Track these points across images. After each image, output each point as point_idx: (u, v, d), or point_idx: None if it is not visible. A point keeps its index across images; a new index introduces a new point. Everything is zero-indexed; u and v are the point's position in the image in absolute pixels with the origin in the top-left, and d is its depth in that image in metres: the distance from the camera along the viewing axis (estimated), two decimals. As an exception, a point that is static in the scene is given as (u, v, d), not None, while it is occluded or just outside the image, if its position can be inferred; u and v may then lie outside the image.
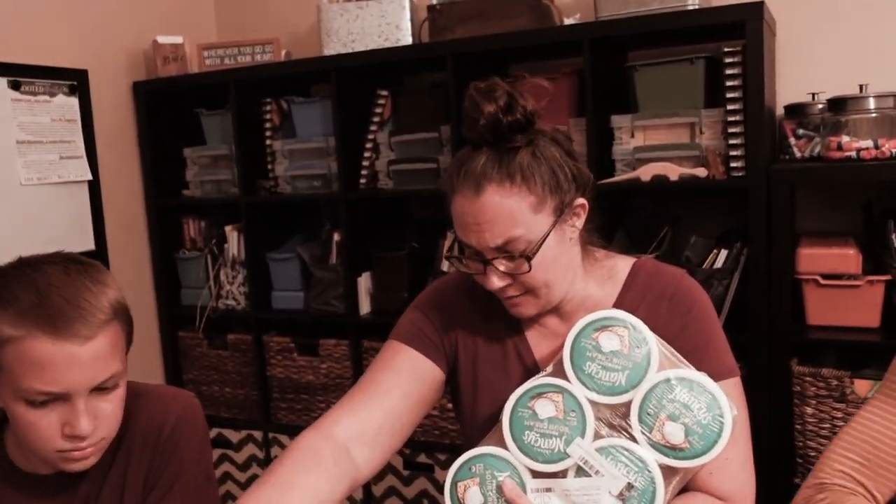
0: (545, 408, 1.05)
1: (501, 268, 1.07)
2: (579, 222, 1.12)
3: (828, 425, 1.83)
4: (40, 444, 1.00)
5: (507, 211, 1.03)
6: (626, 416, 1.03)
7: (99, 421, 1.02)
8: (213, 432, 2.67)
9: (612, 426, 1.03)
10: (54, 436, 0.99)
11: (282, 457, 1.03)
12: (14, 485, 1.08)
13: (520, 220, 1.04)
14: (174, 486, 1.12)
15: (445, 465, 2.30)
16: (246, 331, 2.61)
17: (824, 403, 1.83)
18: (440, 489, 2.32)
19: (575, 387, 1.05)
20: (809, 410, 1.84)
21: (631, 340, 1.06)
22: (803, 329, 1.87)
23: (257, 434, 2.61)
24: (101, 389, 1.01)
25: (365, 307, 2.42)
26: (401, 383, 1.15)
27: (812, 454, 1.85)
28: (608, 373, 1.05)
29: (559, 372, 1.07)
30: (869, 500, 0.96)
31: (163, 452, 1.13)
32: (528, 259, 1.05)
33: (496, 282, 1.07)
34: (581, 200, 1.10)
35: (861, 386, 1.78)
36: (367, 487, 2.44)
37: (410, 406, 1.15)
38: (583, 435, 1.03)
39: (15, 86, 2.24)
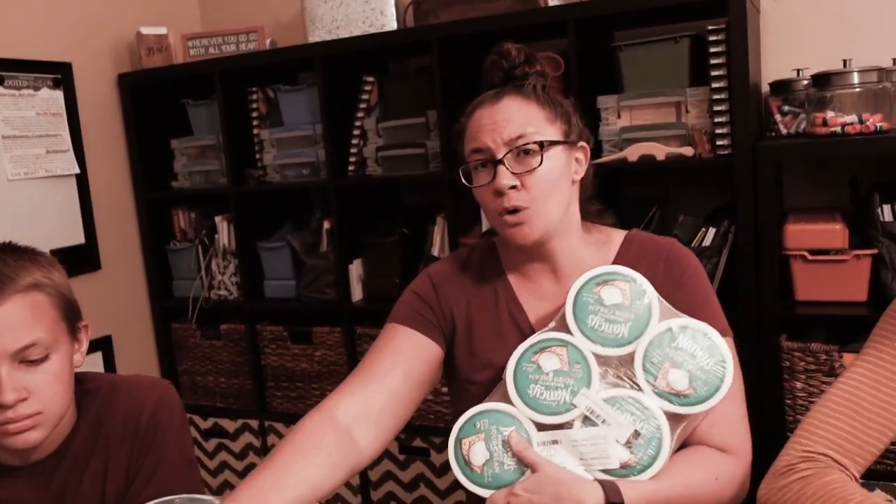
0: (549, 361, 1.07)
1: (512, 168, 1.11)
2: (581, 169, 1.19)
3: (818, 399, 1.84)
4: None
5: (524, 112, 1.14)
6: (630, 365, 1.05)
7: (30, 394, 1.02)
8: (209, 422, 2.68)
9: (616, 377, 1.05)
10: None
11: (283, 442, 1.04)
12: None
13: (534, 122, 1.13)
14: (156, 472, 1.13)
15: (441, 449, 2.32)
16: (239, 320, 2.62)
17: (814, 378, 1.85)
18: (437, 472, 2.34)
19: (578, 339, 1.07)
20: (799, 385, 1.86)
21: (632, 293, 1.08)
22: (791, 305, 1.88)
23: (253, 423, 2.62)
24: (28, 361, 1.02)
25: (357, 294, 2.43)
26: (401, 363, 1.17)
27: (802, 428, 1.87)
28: (611, 325, 1.07)
29: (562, 326, 1.09)
30: (847, 474, 0.97)
31: (143, 440, 1.14)
32: (542, 147, 1.11)
33: (505, 181, 1.11)
34: (584, 144, 1.19)
35: (850, 360, 1.80)
36: (363, 472, 2.45)
37: (411, 385, 1.17)
38: (588, 385, 1.04)
39: (-2, 80, 2.23)
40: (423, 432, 2.34)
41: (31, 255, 1.09)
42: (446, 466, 2.32)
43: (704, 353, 1.04)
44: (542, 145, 1.12)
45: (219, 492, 2.72)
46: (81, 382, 1.17)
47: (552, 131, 1.15)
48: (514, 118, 1.13)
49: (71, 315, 1.11)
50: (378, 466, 2.42)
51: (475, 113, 1.17)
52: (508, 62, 1.17)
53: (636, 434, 1.02)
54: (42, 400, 1.04)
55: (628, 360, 1.06)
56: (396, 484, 2.41)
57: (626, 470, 1.02)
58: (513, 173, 1.12)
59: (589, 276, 1.11)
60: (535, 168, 1.11)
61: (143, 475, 1.13)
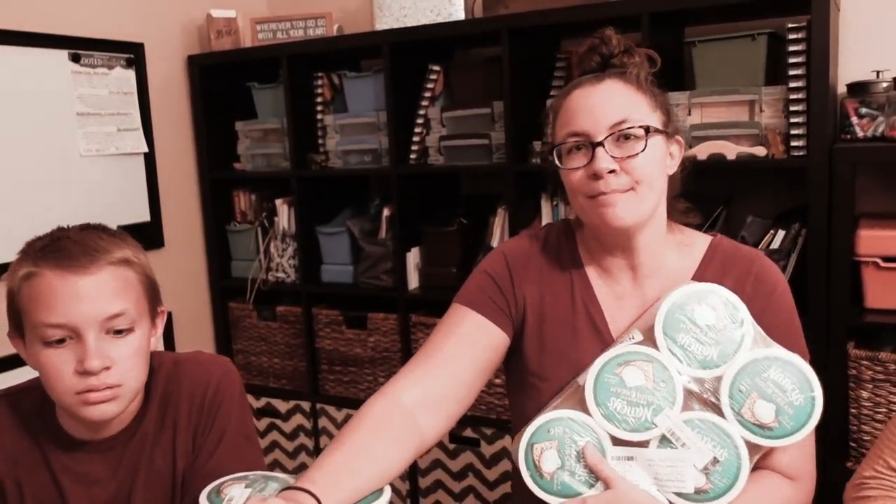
0: (634, 375, 1.04)
1: (611, 152, 1.07)
2: (674, 164, 1.16)
3: (884, 410, 1.80)
4: (58, 385, 1.04)
5: (627, 96, 1.10)
6: (716, 390, 1.03)
7: (113, 364, 1.05)
8: (262, 402, 2.73)
9: (700, 400, 1.03)
10: (69, 374, 1.03)
11: (351, 424, 1.05)
12: (62, 448, 1.13)
13: (637, 107, 1.10)
14: (218, 447, 1.15)
15: (491, 440, 2.32)
16: (295, 303, 2.65)
17: (881, 388, 1.80)
18: (486, 463, 2.34)
19: (665, 357, 1.04)
20: (865, 395, 1.82)
21: (727, 316, 1.05)
22: (861, 312, 1.84)
23: (305, 405, 2.65)
24: (114, 332, 1.05)
25: (413, 282, 2.44)
26: (467, 349, 1.15)
27: (866, 438, 1.83)
28: (701, 346, 1.04)
29: (649, 340, 1.06)
30: None
31: (207, 415, 1.17)
32: (648, 132, 1.07)
33: (605, 164, 1.06)
34: (679, 139, 1.16)
35: (920, 371, 1.75)
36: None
37: (475, 372, 1.15)
38: (672, 406, 1.02)
39: (75, 58, 2.28)
40: (474, 422, 2.34)
41: (122, 236, 1.13)
42: (496, 457, 2.32)
43: (795, 388, 1.00)
44: (648, 130, 1.07)
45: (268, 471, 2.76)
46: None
47: (654, 119, 1.10)
48: (617, 101, 1.09)
49: (153, 297, 1.14)
50: (427, 454, 2.43)
51: (573, 92, 1.13)
52: (608, 49, 1.14)
53: (714, 461, 1.00)
54: (123, 372, 1.06)
55: (714, 383, 1.03)
56: (445, 472, 2.42)
57: (699, 496, 1.00)
58: (612, 157, 1.07)
59: (684, 292, 1.07)
60: (637, 153, 1.07)
61: (207, 449, 1.16)
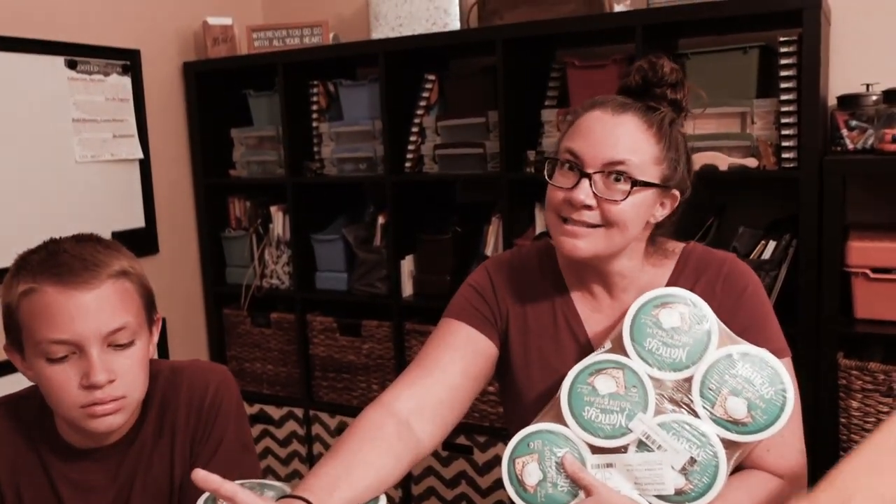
0: (605, 384, 1.06)
1: (595, 188, 1.08)
2: (662, 214, 1.15)
3: (873, 419, 1.82)
4: (63, 399, 1.04)
5: (638, 139, 1.09)
6: (687, 391, 1.04)
7: (117, 377, 1.05)
8: (255, 408, 2.73)
9: (673, 401, 1.04)
10: (73, 388, 1.04)
11: (347, 433, 1.06)
12: (61, 456, 1.14)
13: (642, 154, 1.08)
14: (215, 454, 1.16)
15: (484, 448, 2.33)
16: (289, 310, 2.66)
17: (870, 397, 1.82)
18: (479, 471, 2.35)
19: (635, 362, 1.06)
20: (855, 404, 1.83)
21: (691, 317, 1.06)
22: (851, 322, 1.86)
23: (298, 411, 2.66)
24: (116, 346, 1.06)
25: (407, 290, 2.45)
26: (457, 358, 1.18)
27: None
28: (669, 349, 1.06)
29: (619, 348, 1.08)
30: None
31: (205, 423, 1.17)
32: (634, 184, 1.07)
33: (582, 196, 1.08)
34: (676, 193, 1.14)
35: (909, 381, 1.77)
36: (405, 467, 2.47)
37: (468, 380, 1.17)
38: (645, 410, 1.03)
39: (71, 65, 2.29)
40: (468, 430, 2.35)
41: (117, 246, 1.13)
42: (489, 465, 2.33)
43: (765, 382, 1.02)
44: (635, 184, 1.08)
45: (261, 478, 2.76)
46: None
47: (653, 172, 1.10)
48: (624, 141, 1.08)
49: (150, 306, 1.15)
50: (420, 462, 2.44)
51: (593, 111, 1.12)
52: (655, 76, 1.12)
53: (692, 461, 1.01)
54: (126, 384, 1.07)
55: (685, 384, 1.05)
56: (438, 480, 2.43)
57: (680, 496, 1.01)
58: (594, 193, 1.08)
59: (647, 297, 1.09)
60: (616, 200, 1.08)
61: (204, 457, 1.16)
